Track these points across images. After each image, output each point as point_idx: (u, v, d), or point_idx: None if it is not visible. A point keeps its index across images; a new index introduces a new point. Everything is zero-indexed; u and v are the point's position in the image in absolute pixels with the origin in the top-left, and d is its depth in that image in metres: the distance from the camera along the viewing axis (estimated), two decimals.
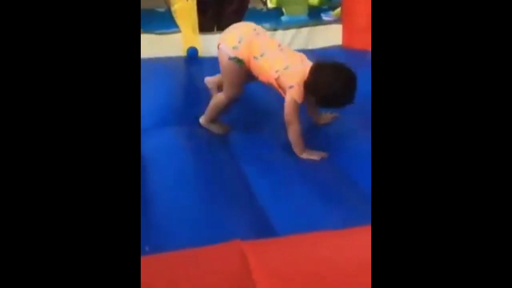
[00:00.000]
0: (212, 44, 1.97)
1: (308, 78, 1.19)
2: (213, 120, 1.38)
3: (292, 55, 1.27)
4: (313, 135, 1.34)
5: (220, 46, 1.29)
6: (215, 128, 1.39)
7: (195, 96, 1.62)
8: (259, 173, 1.23)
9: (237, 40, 1.23)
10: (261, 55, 1.22)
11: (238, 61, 1.23)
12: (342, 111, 1.36)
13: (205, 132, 1.40)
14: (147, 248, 0.97)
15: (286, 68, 1.20)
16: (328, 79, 1.17)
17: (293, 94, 1.17)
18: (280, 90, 1.22)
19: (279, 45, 1.30)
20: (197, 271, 0.86)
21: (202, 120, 1.40)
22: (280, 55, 1.24)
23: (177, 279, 0.84)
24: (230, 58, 1.24)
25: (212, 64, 1.91)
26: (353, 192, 1.12)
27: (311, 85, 1.19)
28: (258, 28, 1.32)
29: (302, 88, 1.19)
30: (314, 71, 1.20)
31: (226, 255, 0.90)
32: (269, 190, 1.15)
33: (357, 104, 1.29)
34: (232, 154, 1.31)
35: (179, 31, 1.94)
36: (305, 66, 1.21)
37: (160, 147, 1.31)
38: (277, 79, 1.19)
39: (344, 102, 1.19)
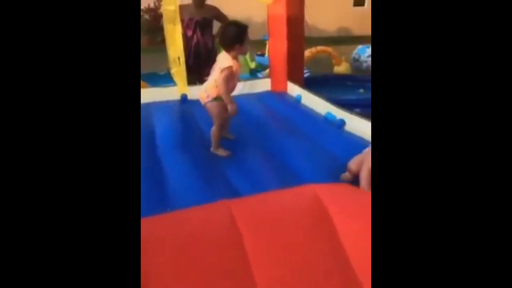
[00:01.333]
0: (195, 92, 3.11)
1: (218, 35, 2.03)
2: (217, 146, 1.89)
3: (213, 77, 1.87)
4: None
5: (203, 103, 1.91)
6: (220, 152, 1.88)
7: (187, 123, 2.43)
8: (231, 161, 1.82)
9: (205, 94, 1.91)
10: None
11: (215, 99, 1.86)
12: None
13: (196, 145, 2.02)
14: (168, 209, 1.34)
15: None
16: (228, 28, 1.85)
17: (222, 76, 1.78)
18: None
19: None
20: (192, 227, 1.03)
21: (211, 149, 1.91)
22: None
23: (178, 233, 0.99)
24: (210, 101, 1.87)
25: (196, 104, 2.94)
26: (284, 170, 1.72)
27: (220, 38, 1.88)
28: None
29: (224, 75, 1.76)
30: (220, 30, 2.06)
31: (216, 212, 1.08)
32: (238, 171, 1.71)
33: (281, 119, 2.33)
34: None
35: (175, 85, 2.97)
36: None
37: (166, 152, 1.95)
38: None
39: (241, 38, 1.78)
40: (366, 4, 12.41)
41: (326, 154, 1.85)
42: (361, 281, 0.92)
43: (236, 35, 1.82)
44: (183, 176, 1.72)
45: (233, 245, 0.97)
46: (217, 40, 3.39)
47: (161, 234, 1.00)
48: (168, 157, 1.90)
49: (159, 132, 2.24)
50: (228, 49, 1.84)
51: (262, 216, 1.06)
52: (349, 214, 1.09)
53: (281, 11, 2.90)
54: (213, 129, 1.91)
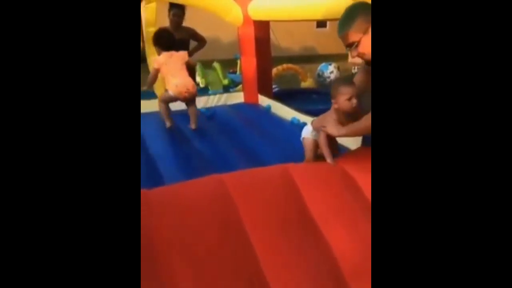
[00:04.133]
0: (176, 104, 3.43)
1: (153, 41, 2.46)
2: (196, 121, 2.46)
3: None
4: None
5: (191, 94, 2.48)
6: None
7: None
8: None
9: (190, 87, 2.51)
10: None
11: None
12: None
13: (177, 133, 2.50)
14: None
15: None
16: (163, 34, 2.48)
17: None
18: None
19: None
20: (190, 196, 1.14)
21: (194, 126, 2.46)
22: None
23: (179, 202, 1.10)
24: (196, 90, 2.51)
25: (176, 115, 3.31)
26: (256, 159, 2.12)
27: (158, 42, 2.43)
28: None
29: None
30: (156, 35, 2.44)
31: (210, 183, 1.19)
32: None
33: (253, 123, 2.72)
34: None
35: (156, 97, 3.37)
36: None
37: (155, 142, 2.35)
38: None
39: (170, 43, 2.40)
40: (328, 26, 13.29)
41: (290, 148, 2.22)
42: (322, 231, 1.17)
43: (171, 40, 2.42)
44: (175, 167, 2.03)
45: (228, 211, 1.10)
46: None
47: (162, 204, 1.08)
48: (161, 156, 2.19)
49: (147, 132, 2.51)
50: (165, 50, 2.38)
51: (248, 186, 1.23)
52: (311, 183, 1.43)
53: (250, 32, 3.33)
54: (194, 108, 2.44)
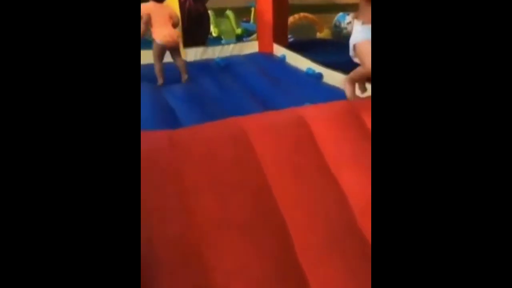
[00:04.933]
0: (193, 54, 3.40)
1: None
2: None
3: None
4: None
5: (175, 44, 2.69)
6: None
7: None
8: None
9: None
10: None
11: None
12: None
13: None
14: None
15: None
16: None
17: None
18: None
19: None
20: (207, 140, 1.14)
21: (186, 78, 2.66)
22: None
23: (198, 145, 1.12)
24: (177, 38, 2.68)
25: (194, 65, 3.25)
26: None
27: None
28: None
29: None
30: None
31: (226, 127, 1.20)
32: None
33: (268, 74, 2.73)
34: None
35: None
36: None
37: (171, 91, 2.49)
38: None
39: None
40: None
41: (305, 97, 2.23)
42: (333, 173, 1.22)
43: None
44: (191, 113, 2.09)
45: (246, 152, 1.14)
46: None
47: (187, 142, 1.12)
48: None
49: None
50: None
51: (264, 128, 1.24)
52: (324, 126, 1.42)
53: None
54: (181, 60, 2.70)
